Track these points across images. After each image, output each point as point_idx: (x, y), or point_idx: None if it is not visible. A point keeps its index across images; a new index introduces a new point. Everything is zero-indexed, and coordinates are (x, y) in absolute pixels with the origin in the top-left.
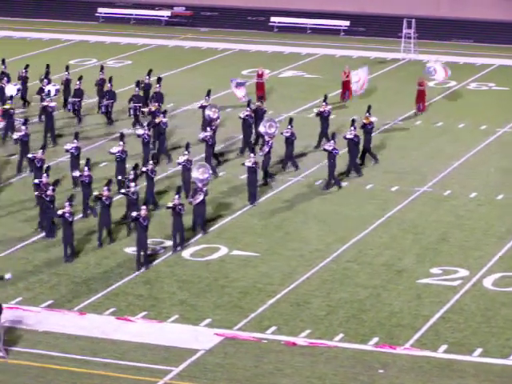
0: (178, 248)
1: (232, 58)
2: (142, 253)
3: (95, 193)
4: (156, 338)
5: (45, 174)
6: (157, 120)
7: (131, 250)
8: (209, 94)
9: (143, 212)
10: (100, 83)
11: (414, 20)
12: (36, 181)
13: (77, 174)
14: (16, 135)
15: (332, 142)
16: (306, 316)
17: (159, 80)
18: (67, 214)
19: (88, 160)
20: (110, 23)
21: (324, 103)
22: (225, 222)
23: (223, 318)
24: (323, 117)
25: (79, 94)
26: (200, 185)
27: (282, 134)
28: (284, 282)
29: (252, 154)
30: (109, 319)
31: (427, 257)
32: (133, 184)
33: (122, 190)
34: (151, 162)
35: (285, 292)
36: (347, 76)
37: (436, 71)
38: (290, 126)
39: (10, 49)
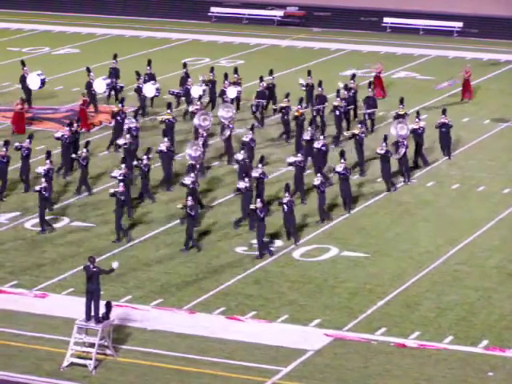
0: (296, 243)
1: (344, 59)
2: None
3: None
4: (265, 337)
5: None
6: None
7: (241, 249)
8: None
9: (259, 204)
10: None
11: None
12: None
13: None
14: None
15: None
16: (416, 318)
17: (320, 83)
18: (189, 203)
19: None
20: (223, 22)
21: (417, 119)
22: (335, 222)
23: (332, 319)
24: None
25: (262, 95)
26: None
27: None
28: (394, 283)
29: (318, 174)
30: (218, 318)
31: None
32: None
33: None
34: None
35: (394, 293)
36: (468, 75)
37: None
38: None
39: (122, 47)
